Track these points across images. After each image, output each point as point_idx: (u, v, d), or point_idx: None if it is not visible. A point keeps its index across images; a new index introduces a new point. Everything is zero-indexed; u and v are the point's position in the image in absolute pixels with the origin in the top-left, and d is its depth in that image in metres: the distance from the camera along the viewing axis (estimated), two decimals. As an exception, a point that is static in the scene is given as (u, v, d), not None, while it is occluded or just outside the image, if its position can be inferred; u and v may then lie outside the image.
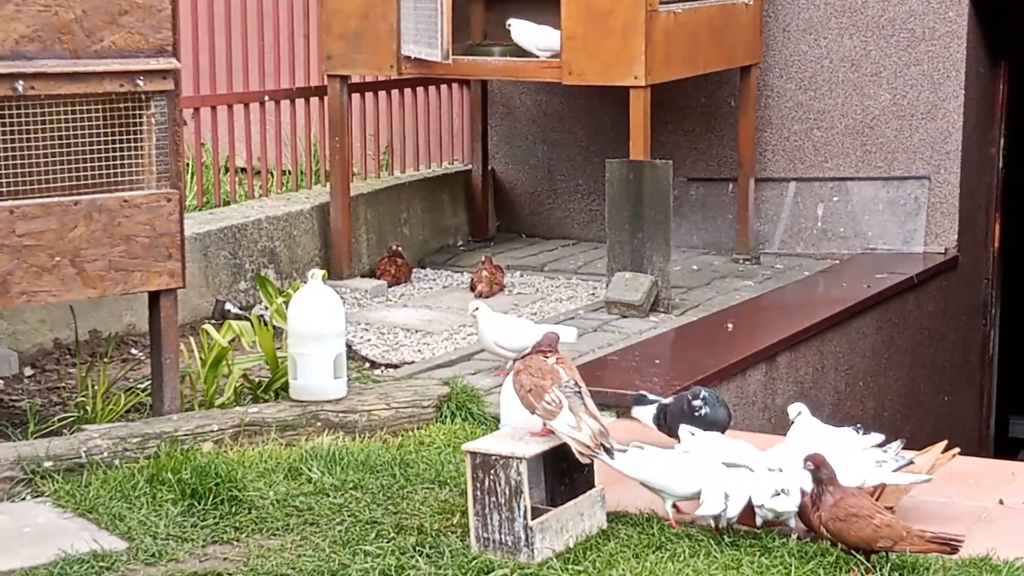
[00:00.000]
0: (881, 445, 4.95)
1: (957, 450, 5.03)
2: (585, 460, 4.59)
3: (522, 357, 4.76)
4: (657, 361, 6.53)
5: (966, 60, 8.64)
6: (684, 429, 4.99)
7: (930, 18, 8.64)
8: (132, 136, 5.35)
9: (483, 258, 8.14)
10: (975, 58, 8.77)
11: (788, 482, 4.55)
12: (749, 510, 4.61)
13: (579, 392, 4.63)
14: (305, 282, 5.71)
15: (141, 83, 5.31)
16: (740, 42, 8.41)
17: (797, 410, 5.09)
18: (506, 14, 8.56)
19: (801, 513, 4.55)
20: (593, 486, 4.77)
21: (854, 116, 8.85)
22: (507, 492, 4.53)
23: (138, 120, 5.35)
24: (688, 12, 7.80)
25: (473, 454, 4.60)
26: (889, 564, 4.35)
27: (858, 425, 5.04)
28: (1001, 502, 5.10)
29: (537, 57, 7.79)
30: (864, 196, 8.88)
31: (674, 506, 4.71)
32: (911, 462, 4.82)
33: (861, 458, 4.81)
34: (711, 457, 4.73)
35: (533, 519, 4.52)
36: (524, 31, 7.90)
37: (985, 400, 9.58)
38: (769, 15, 8.85)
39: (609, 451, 4.58)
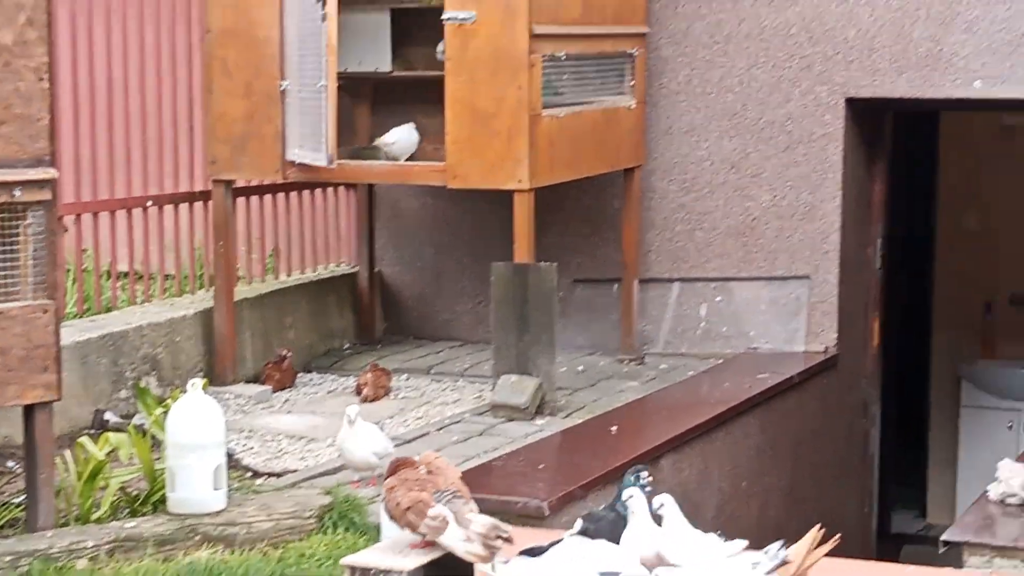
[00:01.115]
0: (762, 547, 4.97)
1: (837, 538, 5.05)
2: (485, 564, 4.54)
3: (393, 472, 4.71)
4: (541, 466, 6.54)
5: (843, 162, 8.83)
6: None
7: (807, 121, 8.84)
8: (8, 247, 5.29)
9: (369, 363, 8.12)
10: (852, 160, 8.97)
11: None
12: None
13: (459, 495, 4.60)
14: (185, 391, 5.66)
15: (18, 194, 5.26)
16: (623, 145, 8.54)
17: (660, 502, 5.05)
18: (392, 117, 8.64)
19: None
20: (474, 598, 4.74)
21: (735, 217, 8.99)
22: (387, 607, 4.48)
23: (14, 231, 5.30)
24: (571, 116, 7.91)
25: (352, 568, 4.55)
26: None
27: (719, 532, 5.05)
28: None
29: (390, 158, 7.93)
30: (746, 296, 9.00)
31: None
32: (785, 562, 4.85)
33: (736, 561, 4.83)
34: (590, 565, 4.72)
35: (413, 634, 4.48)
36: (391, 134, 8.01)
37: (867, 496, 9.69)
38: (651, 118, 8.99)
39: (508, 539, 4.53)
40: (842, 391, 9.16)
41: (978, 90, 8.47)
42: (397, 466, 4.72)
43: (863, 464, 9.62)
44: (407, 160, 8.26)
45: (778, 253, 8.95)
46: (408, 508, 4.54)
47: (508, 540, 4.52)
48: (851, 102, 8.80)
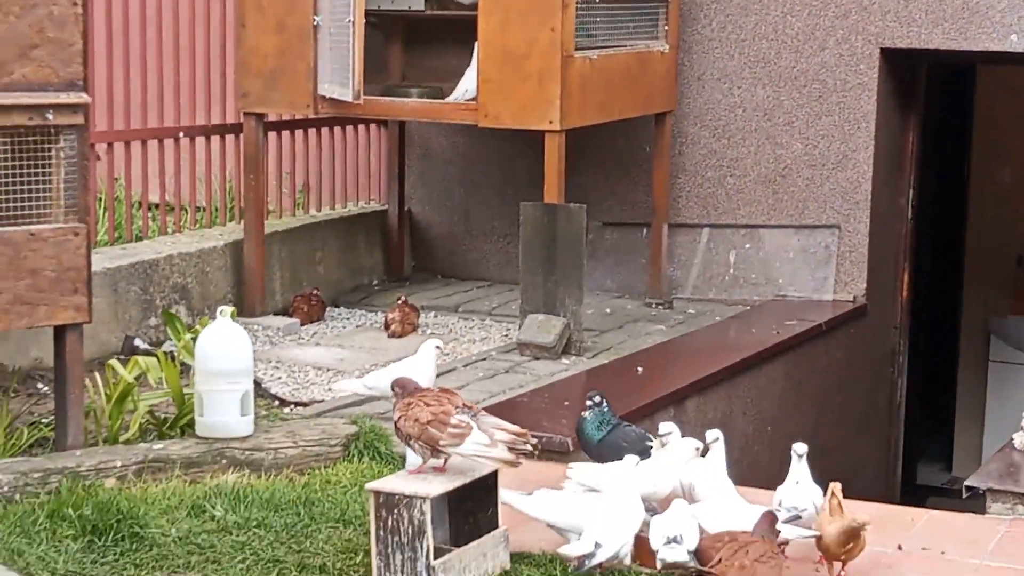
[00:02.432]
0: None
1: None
2: (514, 468, 4.60)
3: (404, 396, 4.76)
4: (566, 403, 6.56)
5: (876, 112, 8.78)
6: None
7: (842, 70, 8.78)
8: (41, 170, 5.31)
9: (398, 298, 8.14)
10: (885, 110, 8.92)
11: (682, 528, 4.58)
12: (649, 551, 4.64)
13: (476, 414, 4.65)
14: (214, 319, 5.69)
15: (50, 117, 5.28)
16: (655, 89, 8.51)
17: (715, 436, 5.22)
18: (425, 56, 8.63)
19: (699, 556, 4.58)
20: (497, 526, 4.78)
21: (766, 165, 8.96)
22: (410, 532, 4.53)
23: (47, 154, 5.32)
24: (604, 58, 7.88)
25: (377, 493, 4.60)
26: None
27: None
28: (900, 547, 5.18)
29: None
30: (775, 243, 8.98)
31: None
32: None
33: (751, 511, 4.88)
34: (607, 495, 4.76)
35: (436, 559, 4.53)
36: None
37: (892, 447, 9.69)
38: (684, 63, 8.96)
39: (536, 447, 4.58)
40: (870, 341, 9.15)
41: (1014, 44, 8.40)
42: (406, 389, 4.77)
43: (889, 414, 9.61)
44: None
45: (808, 202, 8.92)
46: (429, 421, 4.58)
47: (534, 448, 4.57)
48: (886, 52, 8.74)
